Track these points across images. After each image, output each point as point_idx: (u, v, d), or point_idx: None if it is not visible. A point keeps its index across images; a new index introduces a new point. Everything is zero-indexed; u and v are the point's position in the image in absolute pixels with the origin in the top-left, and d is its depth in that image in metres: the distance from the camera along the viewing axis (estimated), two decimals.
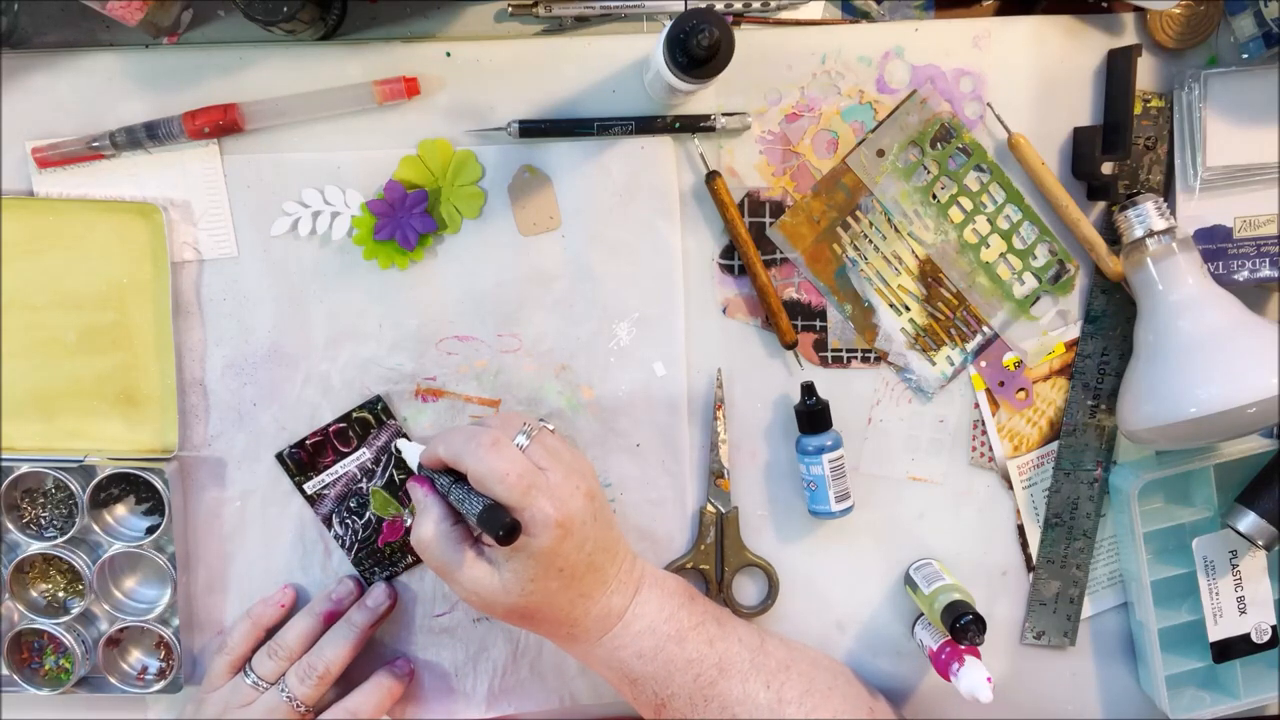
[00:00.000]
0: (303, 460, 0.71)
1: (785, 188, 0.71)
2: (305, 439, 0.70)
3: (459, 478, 0.61)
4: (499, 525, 0.56)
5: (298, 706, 0.66)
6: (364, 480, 0.71)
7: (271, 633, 0.69)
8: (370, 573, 0.72)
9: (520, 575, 0.60)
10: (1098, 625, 0.75)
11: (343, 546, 0.72)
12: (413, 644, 0.73)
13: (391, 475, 0.71)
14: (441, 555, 0.61)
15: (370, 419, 0.71)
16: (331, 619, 0.69)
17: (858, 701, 0.68)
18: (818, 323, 0.72)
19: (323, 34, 0.68)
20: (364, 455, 0.71)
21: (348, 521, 0.71)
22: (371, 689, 0.69)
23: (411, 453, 0.67)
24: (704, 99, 0.70)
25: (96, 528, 0.69)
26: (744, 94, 0.70)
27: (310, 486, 0.71)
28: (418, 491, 0.64)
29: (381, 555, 0.72)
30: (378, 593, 0.70)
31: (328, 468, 0.71)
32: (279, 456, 0.70)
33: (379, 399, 0.70)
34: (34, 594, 0.71)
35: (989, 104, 0.70)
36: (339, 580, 0.71)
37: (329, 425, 0.70)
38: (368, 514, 0.71)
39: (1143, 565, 0.71)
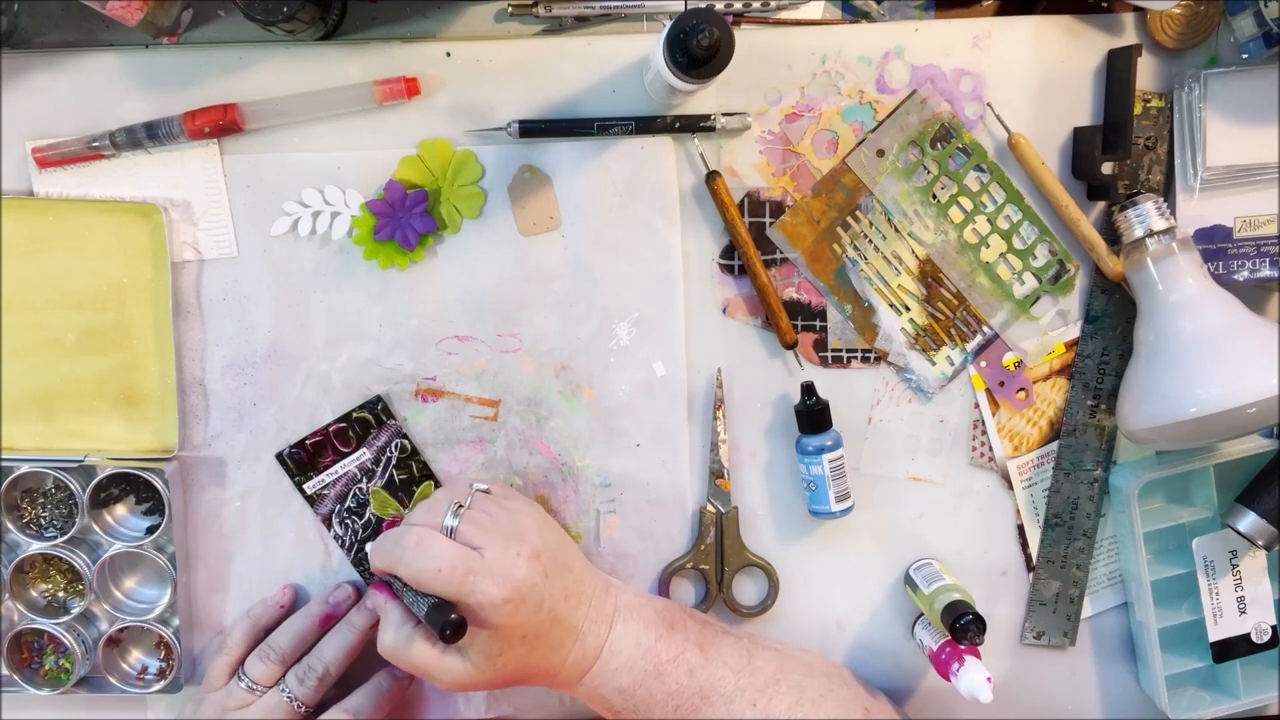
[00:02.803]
0: (303, 460, 0.71)
1: (785, 188, 0.71)
2: (305, 439, 0.70)
3: None
4: (443, 624, 0.57)
5: (298, 707, 0.66)
6: (364, 480, 0.71)
7: (270, 633, 0.69)
8: (370, 573, 0.72)
9: (487, 654, 0.60)
10: (1098, 625, 0.75)
11: (342, 547, 0.72)
12: None
13: (391, 475, 0.71)
14: (408, 659, 0.61)
15: (370, 419, 0.71)
16: (328, 622, 0.69)
17: (852, 704, 0.68)
18: (818, 323, 0.72)
19: (323, 34, 0.68)
20: (364, 455, 0.71)
21: (347, 521, 0.71)
22: (371, 690, 0.69)
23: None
24: (704, 99, 0.70)
25: (96, 528, 0.69)
26: (744, 94, 0.70)
27: (310, 486, 0.71)
28: (377, 598, 0.65)
29: None
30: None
31: (328, 468, 0.71)
32: (279, 456, 0.70)
33: (379, 399, 0.70)
34: (34, 594, 0.71)
35: (989, 104, 0.70)
36: (337, 585, 0.71)
37: (329, 425, 0.70)
38: (367, 514, 0.71)
39: (1143, 565, 0.71)
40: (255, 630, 0.69)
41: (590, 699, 0.65)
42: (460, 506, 0.62)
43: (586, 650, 0.63)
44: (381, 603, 0.64)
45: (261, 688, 0.66)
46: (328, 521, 0.71)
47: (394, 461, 0.71)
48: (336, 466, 0.71)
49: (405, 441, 0.71)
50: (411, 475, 0.71)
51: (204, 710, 0.67)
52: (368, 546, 0.70)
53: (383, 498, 0.71)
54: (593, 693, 0.64)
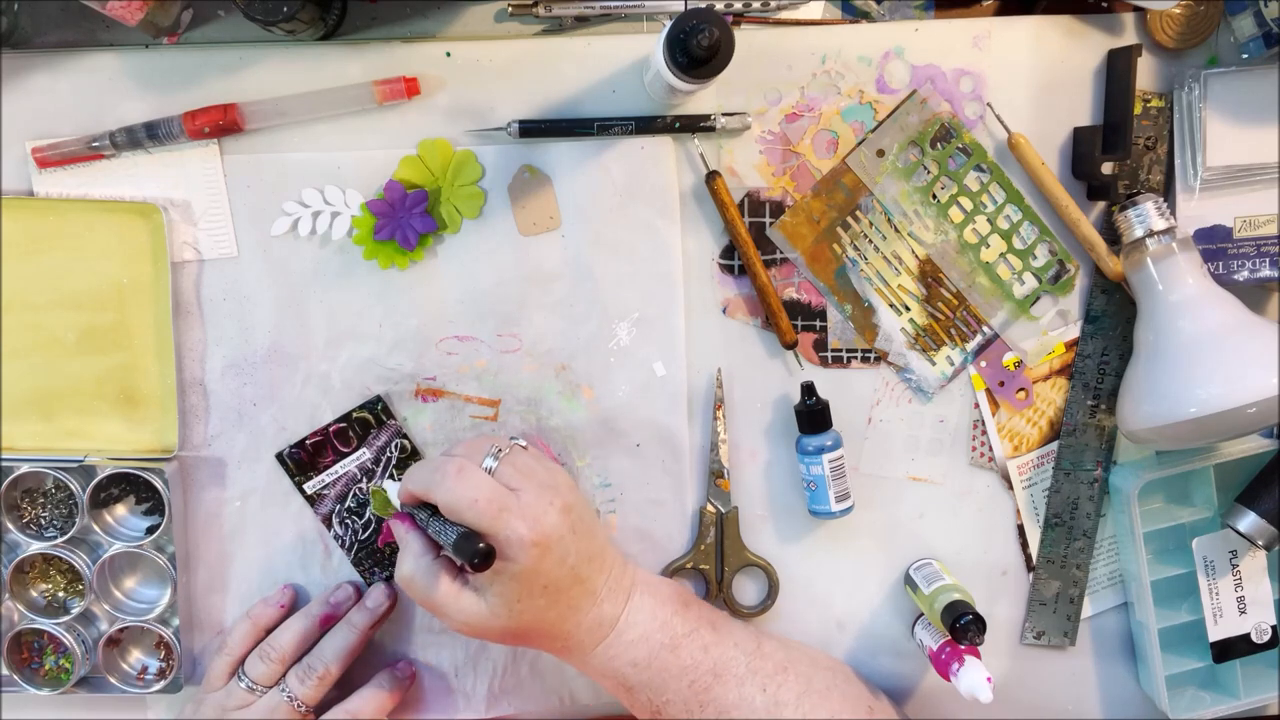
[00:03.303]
0: (303, 460, 0.71)
1: (785, 188, 0.71)
2: (305, 439, 0.70)
3: (435, 510, 0.61)
4: (472, 552, 0.56)
5: (299, 707, 0.66)
6: (364, 480, 0.71)
7: (270, 633, 0.69)
8: (370, 573, 0.72)
9: (505, 598, 0.60)
10: (1098, 625, 0.75)
11: (342, 547, 0.71)
12: (412, 644, 0.73)
13: (392, 475, 0.71)
14: (424, 589, 0.61)
15: (370, 419, 0.71)
16: (328, 622, 0.69)
17: (857, 701, 0.68)
18: (818, 323, 0.72)
19: (323, 34, 0.68)
20: (364, 455, 0.71)
21: (347, 521, 0.71)
22: (372, 691, 0.69)
23: (394, 491, 0.67)
24: (704, 99, 0.70)
25: (96, 528, 0.69)
26: (744, 94, 0.70)
27: (310, 486, 0.71)
28: (399, 528, 0.64)
29: (381, 555, 0.72)
30: (377, 594, 0.70)
31: (328, 468, 0.71)
32: (279, 456, 0.70)
33: (379, 399, 0.70)
34: (34, 594, 0.71)
35: (989, 104, 0.70)
36: (338, 585, 0.71)
37: (329, 425, 0.70)
38: (367, 514, 0.71)
39: (1143, 565, 0.71)
40: (255, 631, 0.69)
41: (602, 673, 0.64)
42: (500, 451, 0.62)
43: (603, 617, 0.63)
44: (403, 532, 0.63)
45: (262, 687, 0.66)
46: (328, 521, 0.71)
47: (394, 461, 0.71)
48: (336, 466, 0.71)
49: (405, 441, 0.71)
50: None
51: (204, 710, 0.67)
52: (386, 484, 0.69)
53: (383, 498, 0.71)
54: (605, 665, 0.63)
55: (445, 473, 0.60)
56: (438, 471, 0.60)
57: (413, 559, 0.62)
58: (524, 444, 0.64)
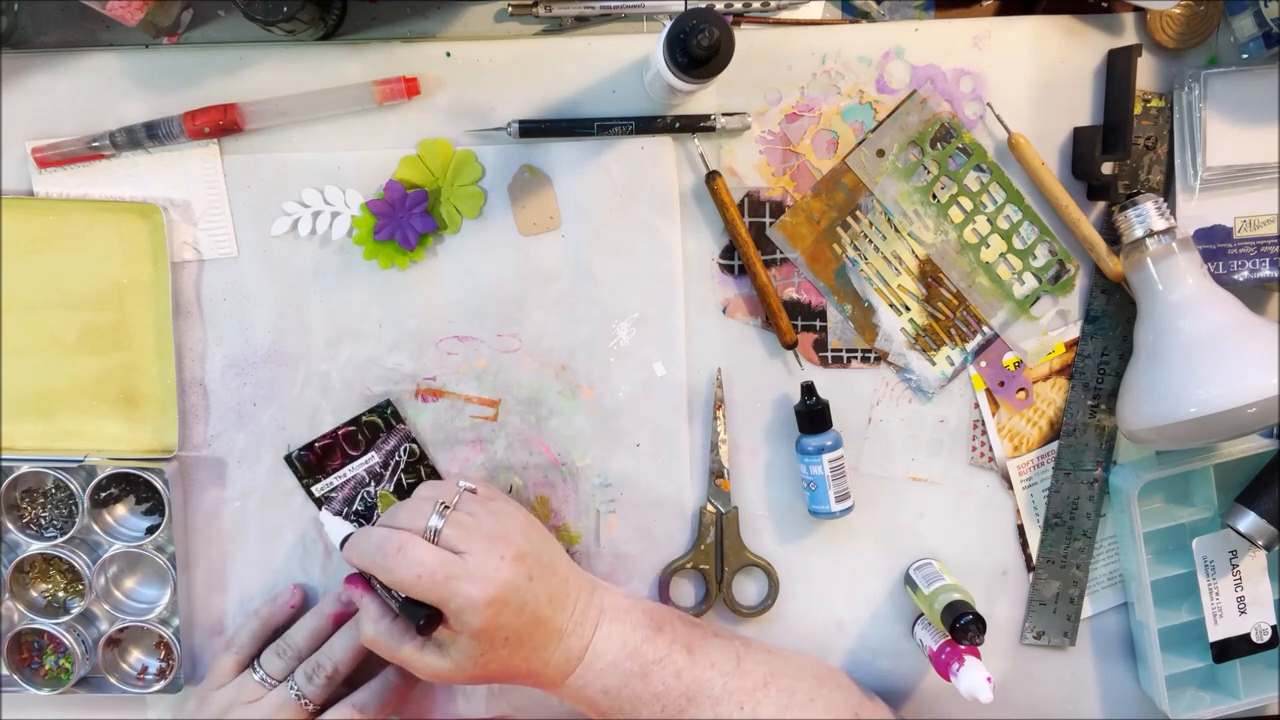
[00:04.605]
0: (311, 462, 0.71)
1: (785, 188, 0.71)
2: (314, 441, 0.70)
3: None
4: (415, 619, 0.58)
5: (305, 705, 0.66)
6: (372, 484, 0.71)
7: (279, 632, 0.69)
8: None
9: (468, 654, 0.60)
10: (1098, 625, 0.75)
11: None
12: None
13: (400, 479, 0.71)
14: (390, 650, 0.62)
15: (380, 423, 0.70)
16: (340, 620, 0.69)
17: (842, 708, 0.67)
18: (818, 323, 0.72)
19: (323, 34, 0.68)
20: (372, 459, 0.71)
21: (355, 525, 0.71)
22: (378, 686, 0.68)
23: (334, 531, 0.68)
24: (704, 99, 0.70)
25: (96, 528, 0.69)
26: (744, 94, 0.70)
27: (318, 489, 0.71)
28: (353, 592, 0.65)
29: None
30: None
31: (336, 470, 0.71)
32: (288, 458, 0.70)
33: (389, 403, 0.70)
34: (34, 594, 0.71)
35: (989, 104, 0.70)
36: None
37: (339, 429, 0.70)
38: (375, 518, 0.71)
39: (1143, 565, 0.71)
40: (265, 630, 0.69)
41: (575, 699, 0.65)
42: (445, 507, 0.62)
43: (570, 652, 0.63)
44: (358, 596, 0.64)
45: (274, 681, 0.67)
46: None
47: (402, 465, 0.71)
48: (345, 470, 0.71)
49: (414, 445, 0.71)
50: (419, 479, 0.71)
51: (208, 706, 0.67)
52: (324, 519, 0.69)
53: (391, 502, 0.71)
54: (577, 693, 0.64)
55: (385, 553, 0.59)
56: (378, 551, 0.60)
57: (372, 623, 0.63)
58: (471, 486, 0.64)
